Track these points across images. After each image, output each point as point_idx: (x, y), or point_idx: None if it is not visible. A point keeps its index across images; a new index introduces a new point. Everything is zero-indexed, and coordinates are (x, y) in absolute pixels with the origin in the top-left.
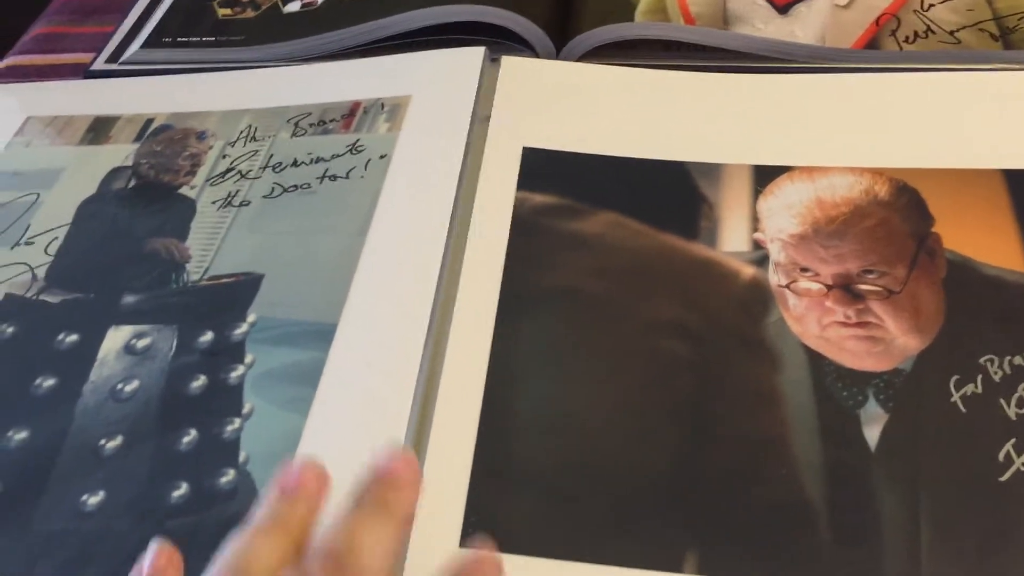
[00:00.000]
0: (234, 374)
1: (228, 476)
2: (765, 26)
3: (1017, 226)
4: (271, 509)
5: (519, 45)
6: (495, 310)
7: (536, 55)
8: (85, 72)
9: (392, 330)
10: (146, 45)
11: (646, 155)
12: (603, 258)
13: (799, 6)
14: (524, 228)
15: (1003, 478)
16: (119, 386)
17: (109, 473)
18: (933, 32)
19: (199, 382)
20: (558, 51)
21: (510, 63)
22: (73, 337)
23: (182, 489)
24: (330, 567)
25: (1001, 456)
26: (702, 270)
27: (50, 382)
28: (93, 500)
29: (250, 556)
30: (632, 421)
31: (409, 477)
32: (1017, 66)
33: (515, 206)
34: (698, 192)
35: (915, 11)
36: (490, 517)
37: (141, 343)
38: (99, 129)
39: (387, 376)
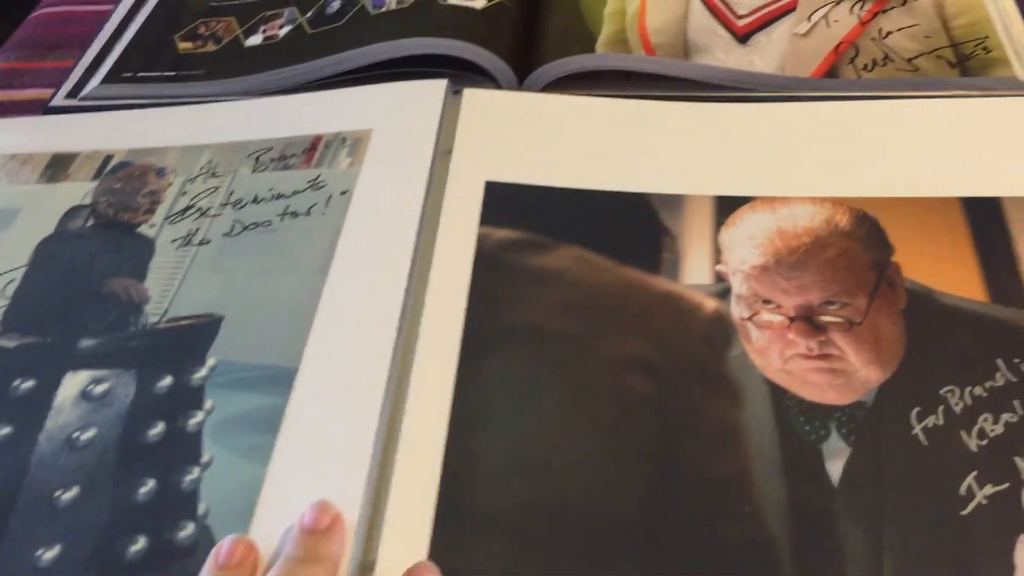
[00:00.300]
0: (193, 421)
1: (187, 530)
2: (726, 56)
3: (975, 255)
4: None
5: (481, 77)
6: (458, 349)
7: (499, 87)
8: (44, 108)
9: (353, 373)
10: (106, 80)
11: (609, 187)
12: (566, 294)
13: (759, 35)
14: (487, 264)
15: (965, 512)
16: (75, 434)
17: (65, 526)
18: (891, 60)
19: (157, 429)
20: (520, 82)
21: (472, 95)
22: (29, 383)
23: (140, 543)
24: None
25: (963, 490)
26: (665, 304)
27: (4, 430)
28: (49, 555)
29: None
30: (598, 462)
31: (328, 523)
32: (974, 93)
33: (478, 242)
34: (660, 224)
35: (873, 39)
36: (454, 564)
37: (99, 389)
38: (57, 166)
39: (348, 421)
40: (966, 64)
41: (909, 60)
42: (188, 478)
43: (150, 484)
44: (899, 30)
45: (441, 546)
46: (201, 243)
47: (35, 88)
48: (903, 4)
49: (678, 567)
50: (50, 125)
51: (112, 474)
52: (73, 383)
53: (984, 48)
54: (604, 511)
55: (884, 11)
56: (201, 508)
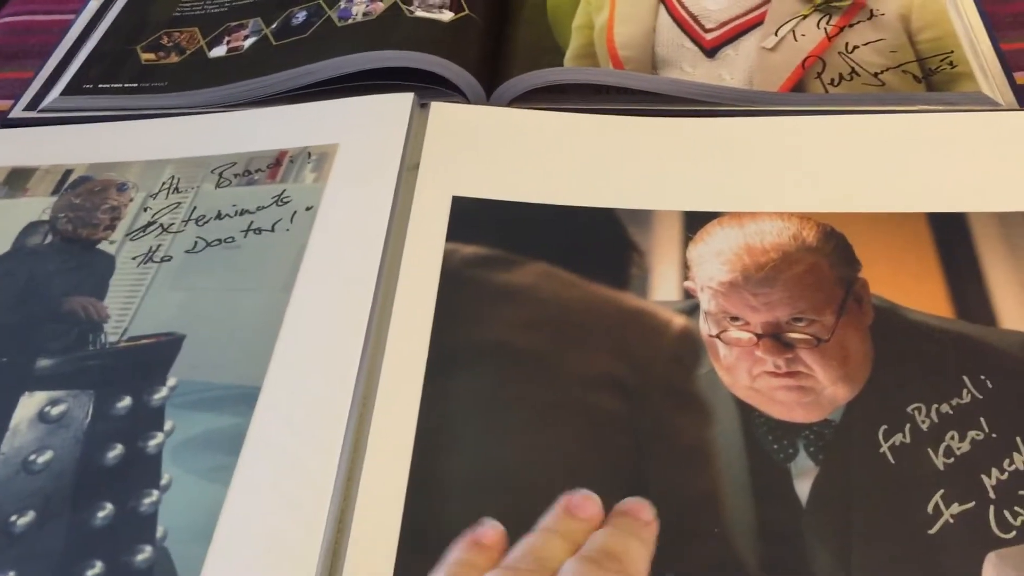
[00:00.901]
0: (152, 442)
1: (145, 553)
2: (693, 70)
3: (941, 270)
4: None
5: (449, 90)
6: (424, 367)
7: (466, 100)
8: (2, 120)
9: (317, 392)
10: (66, 92)
11: (576, 202)
12: (534, 311)
13: (726, 49)
14: (453, 281)
15: (932, 531)
16: (32, 457)
17: (20, 552)
18: (858, 74)
19: (116, 452)
20: (488, 95)
21: (439, 109)
22: None
23: (96, 568)
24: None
25: (930, 508)
26: (633, 321)
27: None
28: None
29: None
30: (566, 481)
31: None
32: (940, 108)
33: (444, 258)
34: (628, 240)
35: (840, 53)
36: None
37: (55, 410)
38: (15, 181)
39: (312, 441)
40: (932, 79)
41: (876, 75)
42: (147, 501)
43: (108, 508)
44: (865, 44)
45: (406, 568)
46: (163, 260)
47: None
48: (869, 18)
49: None
50: (8, 138)
51: (69, 498)
52: (29, 404)
53: (950, 63)
54: None
55: (851, 25)
56: (159, 531)
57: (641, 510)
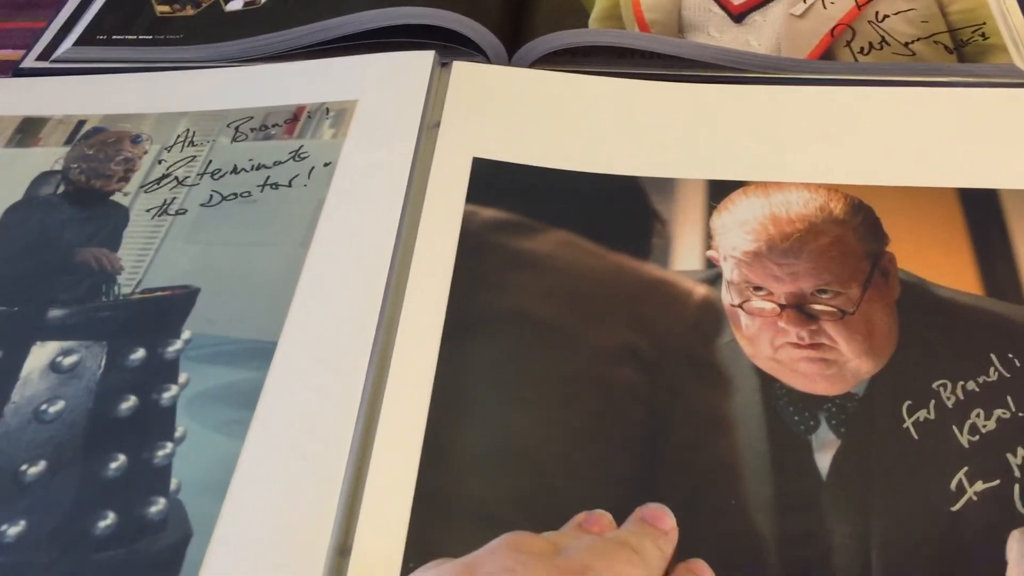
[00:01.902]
0: (167, 395)
1: (158, 505)
2: (720, 35)
3: (971, 247)
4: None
5: (470, 49)
6: (440, 332)
7: (488, 60)
8: (14, 70)
9: (334, 349)
10: (79, 43)
11: (599, 168)
12: (553, 280)
13: (754, 15)
14: (472, 245)
15: (955, 508)
16: (43, 407)
17: (31, 501)
18: (888, 44)
19: (129, 403)
20: (510, 56)
21: (461, 68)
22: None
23: (109, 519)
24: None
25: (953, 485)
26: (654, 291)
27: None
28: (13, 531)
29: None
30: (582, 452)
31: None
32: (971, 79)
33: (463, 221)
34: (651, 208)
35: (870, 22)
36: (432, 552)
37: (68, 360)
38: (27, 131)
39: (329, 398)
40: (963, 50)
41: (906, 44)
42: (160, 453)
43: (120, 459)
44: (896, 14)
45: (419, 533)
46: (177, 213)
47: (5, 49)
48: None
49: None
50: (20, 88)
51: (81, 449)
52: (41, 354)
53: (982, 34)
54: (588, 503)
55: None
56: (173, 484)
57: (662, 519)
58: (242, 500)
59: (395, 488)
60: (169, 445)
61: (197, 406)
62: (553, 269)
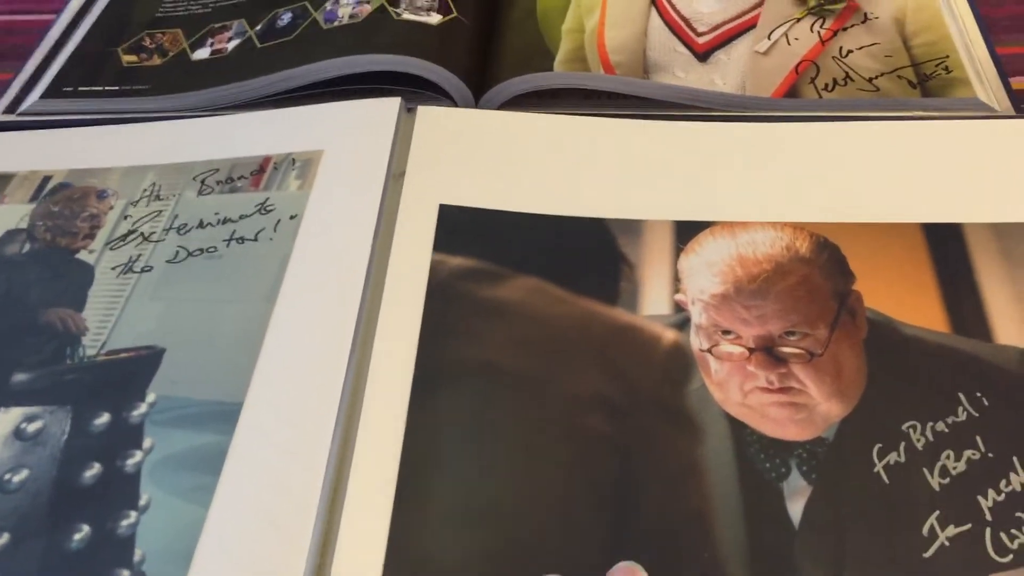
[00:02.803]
0: (131, 461)
1: None
2: (685, 74)
3: (937, 283)
4: None
5: (436, 95)
6: (410, 386)
7: (455, 105)
8: None
9: (301, 409)
10: (46, 95)
11: (566, 211)
12: (522, 329)
13: (718, 53)
14: (441, 294)
15: (927, 554)
16: (7, 476)
17: None
18: (852, 79)
19: (93, 471)
20: (477, 101)
21: (426, 113)
22: None
23: None
24: None
25: (925, 530)
26: (623, 337)
27: None
28: None
29: None
30: (555, 507)
31: None
32: (935, 114)
33: (431, 270)
34: (619, 252)
35: (834, 58)
36: None
37: (32, 427)
38: None
39: (295, 460)
40: (927, 84)
41: (870, 80)
42: (125, 523)
43: (84, 530)
44: (860, 48)
45: None
46: (143, 270)
47: None
48: (863, 22)
49: None
50: None
51: (45, 519)
52: (5, 421)
53: (945, 68)
54: (561, 557)
55: (844, 28)
56: (137, 555)
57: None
58: (208, 568)
59: (366, 550)
60: (133, 514)
61: (161, 472)
62: (522, 317)
